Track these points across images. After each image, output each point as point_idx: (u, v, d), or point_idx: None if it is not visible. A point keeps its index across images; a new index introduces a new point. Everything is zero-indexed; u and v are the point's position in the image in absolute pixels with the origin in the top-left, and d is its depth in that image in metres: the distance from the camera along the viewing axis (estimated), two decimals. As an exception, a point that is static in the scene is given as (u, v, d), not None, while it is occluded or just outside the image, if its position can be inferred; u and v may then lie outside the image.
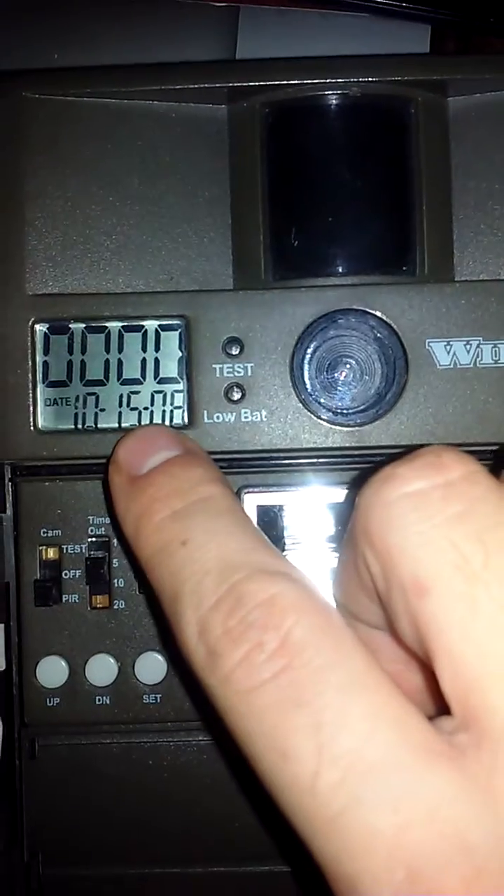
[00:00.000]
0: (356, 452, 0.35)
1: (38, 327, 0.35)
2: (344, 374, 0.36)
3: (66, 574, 0.36)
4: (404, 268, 0.36)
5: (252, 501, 0.35)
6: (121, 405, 0.35)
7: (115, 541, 0.35)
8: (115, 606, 0.36)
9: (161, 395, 0.35)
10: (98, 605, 0.36)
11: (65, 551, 0.36)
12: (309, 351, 0.35)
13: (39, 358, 0.35)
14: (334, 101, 0.36)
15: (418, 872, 0.16)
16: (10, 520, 0.36)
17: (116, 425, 0.35)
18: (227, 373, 0.35)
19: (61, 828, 0.36)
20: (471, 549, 0.17)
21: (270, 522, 0.35)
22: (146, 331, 0.35)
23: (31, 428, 0.35)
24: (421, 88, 0.36)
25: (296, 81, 0.35)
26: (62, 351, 0.35)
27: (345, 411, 0.35)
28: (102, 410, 0.35)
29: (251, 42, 0.41)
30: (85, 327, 0.35)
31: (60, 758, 0.36)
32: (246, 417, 0.35)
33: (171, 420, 0.35)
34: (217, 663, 0.18)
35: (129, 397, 0.35)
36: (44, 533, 0.36)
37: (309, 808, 0.17)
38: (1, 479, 0.36)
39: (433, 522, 0.17)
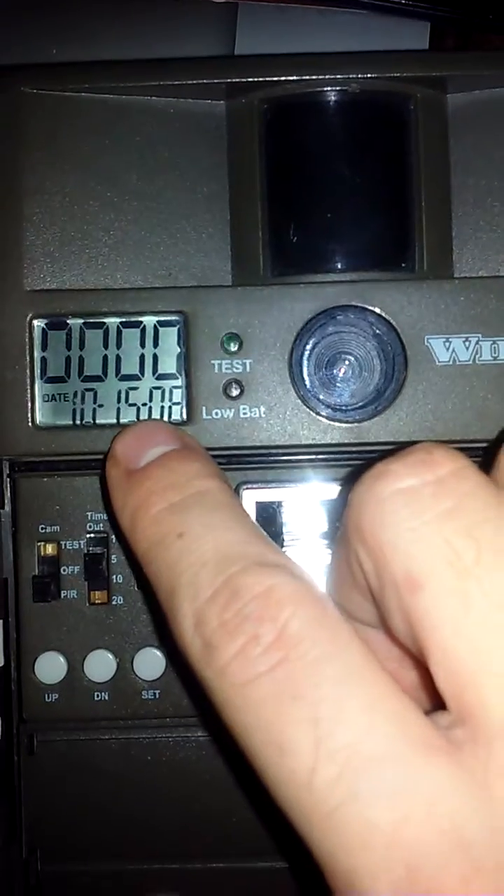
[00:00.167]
0: (355, 449, 0.35)
1: (35, 323, 0.35)
2: (343, 370, 0.36)
3: (64, 570, 0.36)
4: (403, 264, 0.36)
5: (251, 498, 0.35)
6: (119, 401, 0.35)
7: (113, 537, 0.35)
8: (114, 602, 0.36)
9: (159, 391, 0.35)
10: (96, 601, 0.36)
11: (63, 547, 0.36)
12: (308, 347, 0.35)
13: (37, 353, 0.35)
14: (333, 98, 0.36)
15: (417, 870, 0.16)
16: (8, 516, 0.36)
17: (115, 421, 0.35)
18: (226, 369, 0.35)
19: (60, 824, 0.36)
20: (462, 544, 0.17)
21: (269, 519, 0.35)
22: (144, 327, 0.35)
23: (29, 424, 0.35)
24: (420, 85, 0.36)
25: (294, 77, 0.35)
26: (60, 347, 0.35)
27: (343, 408, 0.35)
28: (101, 406, 0.35)
29: (250, 38, 0.41)
30: (83, 323, 0.35)
31: (59, 754, 0.36)
32: (245, 414, 0.35)
33: (170, 416, 0.35)
34: (213, 656, 0.18)
35: (127, 393, 0.35)
36: (42, 529, 0.36)
37: (306, 804, 0.17)
38: (-1, 474, 0.36)
39: (424, 519, 0.18)
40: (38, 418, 0.35)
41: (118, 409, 0.35)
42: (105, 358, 0.35)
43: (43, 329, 0.35)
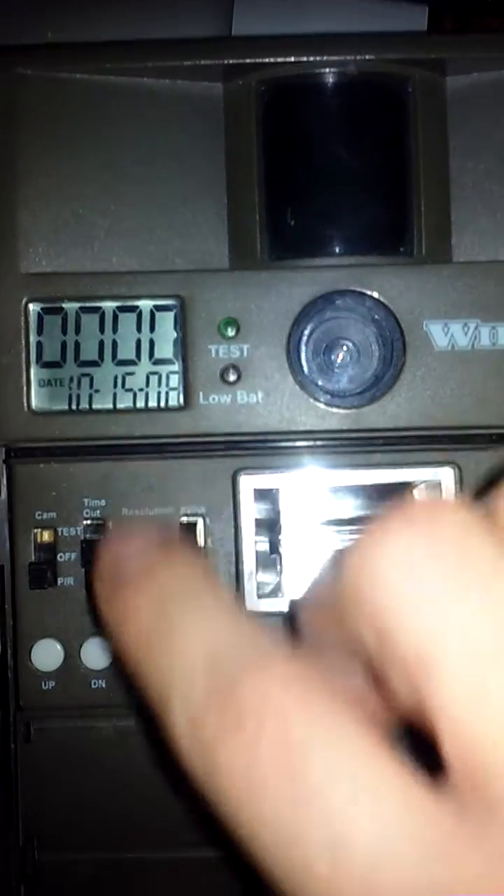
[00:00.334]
0: (353, 435, 0.35)
1: (31, 307, 0.35)
2: (341, 355, 0.35)
3: (61, 557, 0.35)
4: (402, 248, 0.35)
5: (248, 484, 0.35)
6: (115, 386, 0.35)
7: (110, 523, 0.35)
8: (111, 589, 0.35)
9: (156, 377, 0.35)
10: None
11: (60, 534, 0.35)
12: (306, 332, 0.35)
13: (33, 338, 0.35)
14: (331, 79, 0.35)
15: None
16: (3, 502, 0.35)
17: (111, 406, 0.35)
18: (223, 354, 0.35)
19: (57, 812, 0.36)
20: (477, 621, 0.17)
21: (266, 505, 0.35)
22: (141, 311, 0.35)
23: (25, 409, 0.35)
24: (418, 67, 0.35)
25: (292, 59, 0.35)
26: (56, 331, 0.35)
27: (342, 393, 0.35)
28: (97, 391, 0.35)
29: (247, 19, 0.41)
30: (79, 307, 0.35)
31: (56, 741, 0.36)
32: (242, 399, 0.35)
33: (167, 401, 0.35)
34: (212, 769, 0.17)
35: (123, 378, 0.35)
36: (38, 515, 0.35)
37: None
38: (-6, 461, 0.35)
39: (433, 591, 0.17)
40: (34, 403, 0.35)
41: (115, 395, 0.35)
42: (101, 343, 0.35)
43: (39, 313, 0.35)
